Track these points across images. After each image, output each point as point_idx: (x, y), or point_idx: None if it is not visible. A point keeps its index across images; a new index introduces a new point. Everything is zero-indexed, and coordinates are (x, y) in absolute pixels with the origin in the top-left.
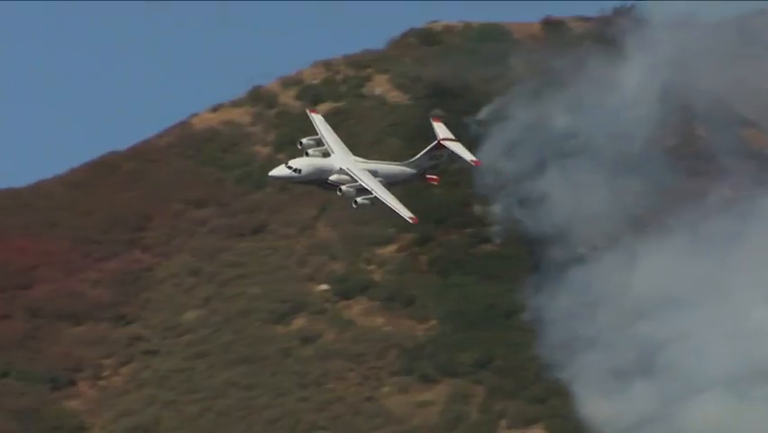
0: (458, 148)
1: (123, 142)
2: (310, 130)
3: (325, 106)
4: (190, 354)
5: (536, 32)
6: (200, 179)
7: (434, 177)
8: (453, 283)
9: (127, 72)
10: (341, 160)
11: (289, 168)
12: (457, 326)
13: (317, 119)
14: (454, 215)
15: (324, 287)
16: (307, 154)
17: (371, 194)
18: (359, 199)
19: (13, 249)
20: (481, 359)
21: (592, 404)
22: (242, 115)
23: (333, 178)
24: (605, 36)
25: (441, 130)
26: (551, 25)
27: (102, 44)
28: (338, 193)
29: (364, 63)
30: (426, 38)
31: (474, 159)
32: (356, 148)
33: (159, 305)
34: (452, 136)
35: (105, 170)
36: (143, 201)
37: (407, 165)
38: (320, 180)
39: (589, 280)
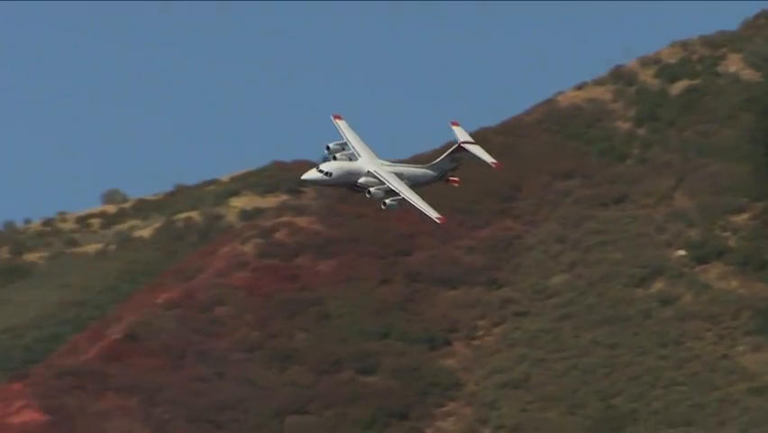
0: (478, 150)
1: (493, 119)
2: (666, 105)
3: (681, 84)
4: (557, 315)
5: None
6: (565, 153)
7: (456, 179)
8: None
9: (487, 54)
10: (368, 163)
11: (320, 171)
12: None
13: (342, 124)
14: None
15: (681, 252)
16: (335, 158)
17: (399, 195)
18: (387, 201)
19: (394, 218)
20: None
21: None
22: (604, 93)
23: (361, 180)
24: None
25: (460, 133)
26: None
27: (457, 25)
28: (367, 195)
29: (719, 43)
30: None
31: (494, 161)
32: (710, 123)
33: (528, 270)
34: (472, 139)
35: (477, 143)
36: (513, 173)
37: (430, 168)
38: (349, 183)
39: None
